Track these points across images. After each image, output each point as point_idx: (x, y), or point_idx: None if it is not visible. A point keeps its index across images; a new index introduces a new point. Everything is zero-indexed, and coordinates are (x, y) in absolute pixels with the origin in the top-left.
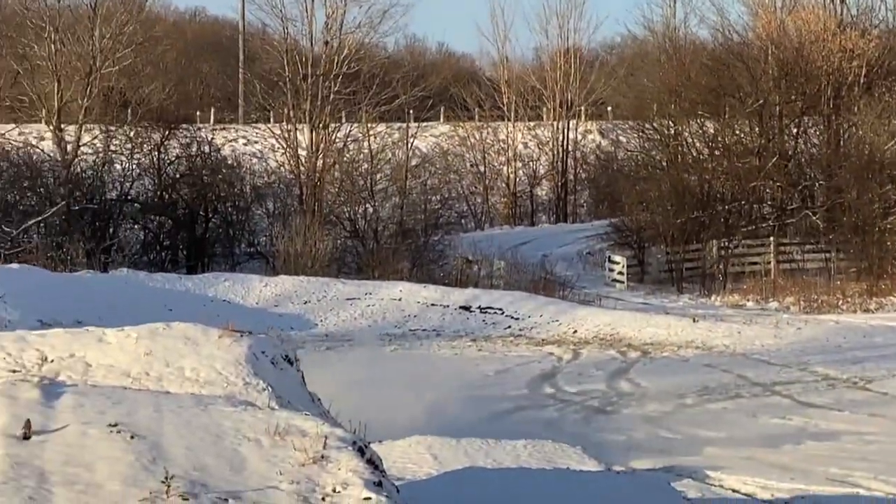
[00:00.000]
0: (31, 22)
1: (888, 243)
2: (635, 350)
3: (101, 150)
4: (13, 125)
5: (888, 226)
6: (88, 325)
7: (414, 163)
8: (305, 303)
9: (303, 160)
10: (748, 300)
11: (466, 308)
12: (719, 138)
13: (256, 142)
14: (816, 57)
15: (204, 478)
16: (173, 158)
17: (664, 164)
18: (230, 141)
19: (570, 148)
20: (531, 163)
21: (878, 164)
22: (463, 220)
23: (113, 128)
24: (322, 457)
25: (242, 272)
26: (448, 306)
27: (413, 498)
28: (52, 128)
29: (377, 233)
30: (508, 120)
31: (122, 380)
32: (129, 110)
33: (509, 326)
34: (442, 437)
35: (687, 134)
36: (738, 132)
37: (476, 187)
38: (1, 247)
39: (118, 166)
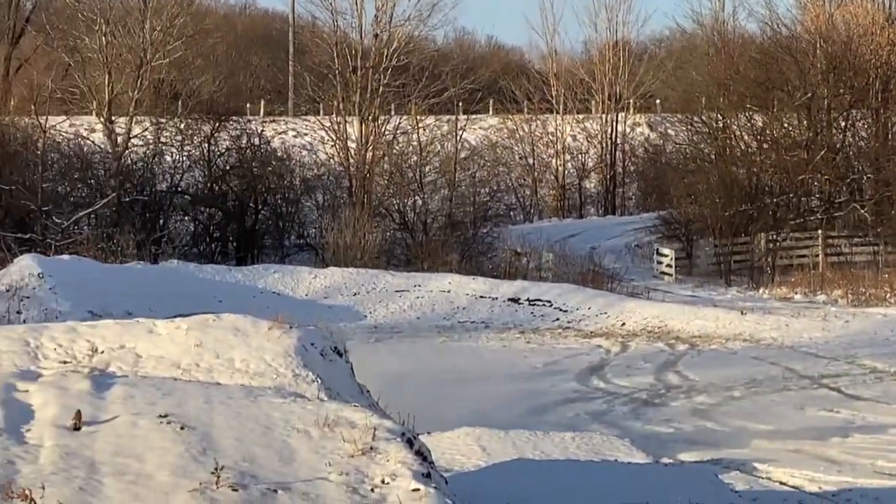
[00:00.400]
0: (83, 14)
1: None
2: (683, 342)
3: (151, 141)
4: (64, 117)
5: None
6: (139, 317)
7: (463, 155)
8: (355, 294)
9: (352, 152)
10: (796, 293)
11: (515, 300)
12: (767, 131)
13: (306, 134)
14: (865, 50)
15: (253, 469)
16: (223, 150)
17: (712, 156)
18: (280, 133)
19: (618, 140)
20: (580, 155)
21: None
22: (511, 213)
23: (163, 120)
24: (371, 448)
25: (292, 264)
26: (496, 298)
27: (461, 490)
28: (102, 120)
29: (426, 225)
30: (557, 112)
31: (173, 371)
32: (180, 102)
33: (558, 319)
34: (490, 429)
35: (735, 127)
36: (786, 125)
37: (525, 179)
38: (52, 238)
39: (168, 158)
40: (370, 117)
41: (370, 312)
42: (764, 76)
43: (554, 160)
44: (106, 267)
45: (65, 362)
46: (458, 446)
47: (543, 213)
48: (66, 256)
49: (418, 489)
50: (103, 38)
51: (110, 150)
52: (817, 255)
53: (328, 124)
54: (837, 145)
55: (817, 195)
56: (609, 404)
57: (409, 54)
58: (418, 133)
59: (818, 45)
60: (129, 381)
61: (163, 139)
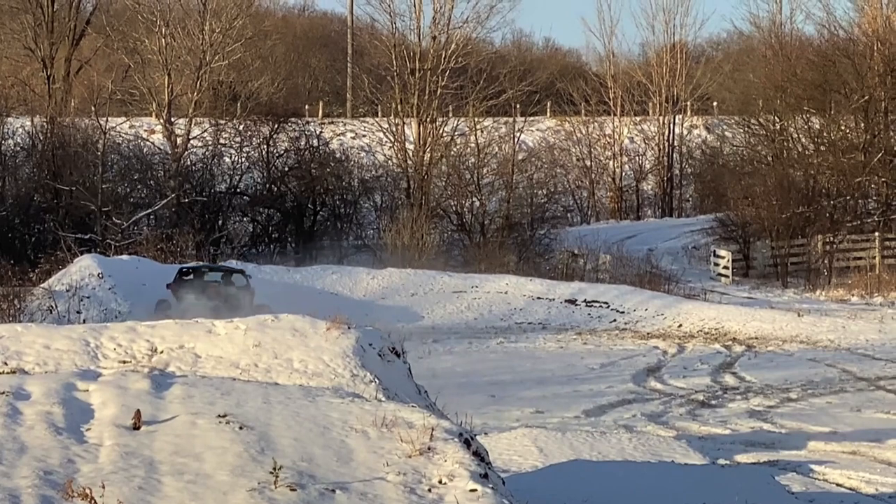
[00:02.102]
0: (142, 16)
1: None
2: (740, 344)
3: (210, 143)
4: (124, 118)
5: None
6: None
7: (520, 157)
8: (412, 295)
9: (410, 154)
10: (853, 295)
11: (572, 301)
12: (825, 134)
13: (364, 135)
14: None
15: (311, 469)
16: (282, 152)
17: (769, 159)
18: (338, 135)
19: (675, 143)
20: (637, 157)
21: None
22: (569, 214)
23: (222, 121)
24: (428, 448)
25: (350, 265)
26: (553, 300)
27: (518, 490)
28: (162, 121)
29: (483, 226)
30: (614, 115)
31: (231, 371)
32: (239, 104)
33: (615, 320)
34: (547, 430)
35: (792, 129)
36: (843, 128)
37: (582, 181)
38: (112, 238)
39: (227, 159)
40: (428, 119)
41: (428, 313)
42: (821, 79)
43: (611, 162)
44: (166, 267)
45: (124, 362)
46: (515, 447)
47: (601, 215)
48: (125, 257)
49: (475, 489)
50: (163, 40)
51: (170, 152)
52: (874, 258)
53: (386, 126)
54: (895, 148)
55: (874, 197)
56: (666, 405)
57: (467, 56)
58: (476, 135)
59: (875, 48)
60: (188, 381)
61: (222, 140)
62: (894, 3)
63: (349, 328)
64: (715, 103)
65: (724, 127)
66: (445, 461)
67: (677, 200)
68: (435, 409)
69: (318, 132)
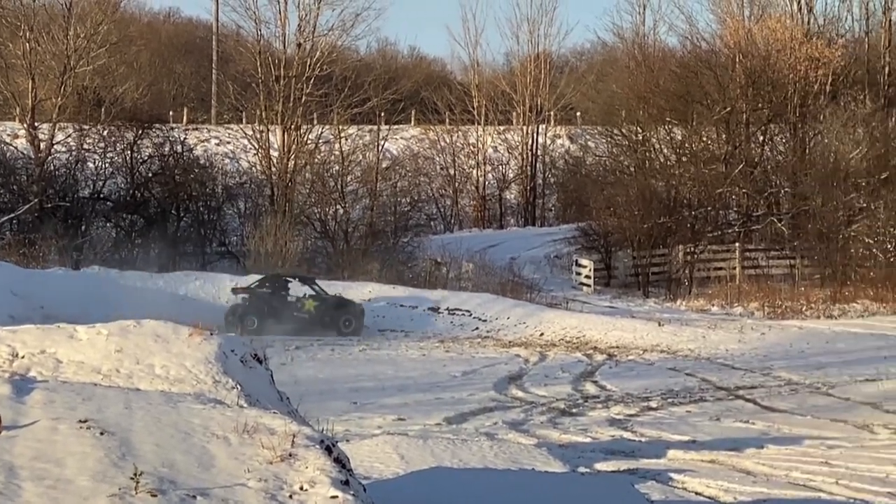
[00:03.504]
0: (6, 20)
1: (852, 250)
2: (601, 353)
3: (74, 148)
4: None
5: (852, 233)
6: (59, 322)
7: (384, 165)
8: None
9: (274, 161)
10: (713, 305)
11: (434, 309)
12: (686, 144)
13: (229, 142)
14: (783, 65)
15: (173, 474)
16: (146, 158)
17: (632, 169)
18: (203, 141)
19: (539, 152)
20: (500, 166)
21: (842, 172)
22: (432, 223)
23: (86, 126)
24: (290, 455)
25: (213, 271)
26: (416, 307)
27: (379, 497)
28: (25, 126)
29: (347, 234)
30: (478, 124)
31: (93, 376)
32: (103, 109)
33: (477, 328)
34: (409, 437)
35: (655, 140)
36: (705, 139)
37: (446, 190)
38: None
39: (91, 165)
40: (292, 126)
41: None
42: (683, 90)
43: (475, 171)
44: (27, 272)
45: None
46: (376, 454)
47: (464, 224)
48: None
49: (337, 496)
50: (27, 45)
51: (33, 156)
52: (734, 268)
53: (251, 133)
54: (755, 159)
55: (735, 208)
56: (527, 413)
57: (332, 64)
58: (340, 143)
59: (737, 60)
60: (49, 386)
61: (86, 146)
62: (756, 16)
63: (211, 334)
64: (578, 113)
65: (587, 137)
66: (307, 468)
67: (540, 210)
68: (297, 416)
69: (182, 138)
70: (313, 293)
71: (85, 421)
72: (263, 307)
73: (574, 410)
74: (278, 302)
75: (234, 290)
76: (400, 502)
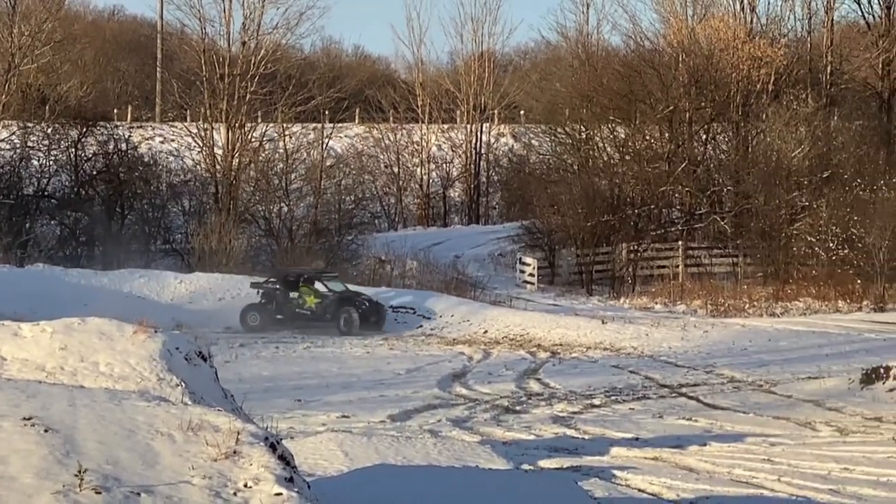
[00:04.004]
0: None
1: (794, 249)
2: (545, 350)
3: (18, 146)
4: None
5: (794, 231)
6: (3, 320)
7: (329, 163)
8: (220, 300)
9: (219, 159)
10: (656, 303)
11: None
12: (630, 143)
13: (173, 140)
14: (726, 65)
15: (117, 472)
16: (90, 155)
17: (575, 167)
18: (147, 139)
19: (482, 151)
20: (444, 165)
21: (785, 171)
22: (376, 221)
23: (31, 124)
24: (234, 452)
25: (158, 269)
26: None
27: (324, 494)
28: None
29: (291, 232)
30: (423, 122)
31: (37, 374)
32: (47, 107)
33: (421, 326)
34: (353, 434)
35: (598, 138)
36: (648, 137)
37: (390, 188)
38: None
39: (35, 162)
40: (237, 124)
41: (235, 318)
42: (627, 89)
43: (419, 169)
44: None
45: None
46: (320, 451)
47: (408, 222)
48: None
49: (281, 493)
50: None
51: None
52: (677, 266)
53: (195, 131)
54: (698, 158)
55: (678, 207)
56: (471, 411)
57: (277, 62)
58: (284, 141)
59: (680, 59)
60: None
61: (30, 143)
62: (699, 15)
63: (156, 332)
64: (522, 112)
65: (531, 135)
66: (251, 465)
67: (484, 208)
68: (241, 414)
69: (126, 136)
70: (324, 290)
71: (29, 418)
72: (270, 304)
73: (518, 408)
74: (283, 299)
75: (253, 286)
76: (344, 499)
